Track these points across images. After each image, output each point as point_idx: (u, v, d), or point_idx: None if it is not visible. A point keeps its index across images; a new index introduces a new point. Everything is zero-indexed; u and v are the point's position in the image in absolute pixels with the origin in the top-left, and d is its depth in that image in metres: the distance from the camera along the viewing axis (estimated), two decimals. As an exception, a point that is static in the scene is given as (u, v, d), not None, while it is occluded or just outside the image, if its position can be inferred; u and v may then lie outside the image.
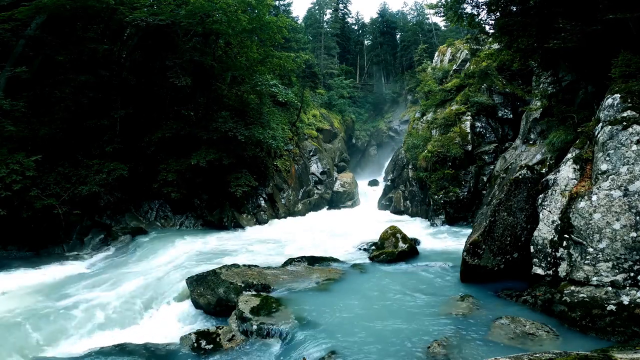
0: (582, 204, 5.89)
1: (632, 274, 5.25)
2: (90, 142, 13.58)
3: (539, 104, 13.12)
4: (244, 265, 8.40)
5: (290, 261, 9.27)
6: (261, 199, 17.42)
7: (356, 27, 55.47)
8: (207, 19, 14.33)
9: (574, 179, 6.40)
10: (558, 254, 6.04)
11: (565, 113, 9.36)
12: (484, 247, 7.25)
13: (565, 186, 6.41)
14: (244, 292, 7.01)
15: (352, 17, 54.44)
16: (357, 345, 5.08)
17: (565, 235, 5.99)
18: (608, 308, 5.18)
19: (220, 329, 5.86)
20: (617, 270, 5.37)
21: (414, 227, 15.93)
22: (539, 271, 6.25)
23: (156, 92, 15.77)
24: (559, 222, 6.15)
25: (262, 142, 16.28)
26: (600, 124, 6.32)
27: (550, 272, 6.11)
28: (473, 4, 11.07)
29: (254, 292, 7.01)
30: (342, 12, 50.50)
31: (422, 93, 26.63)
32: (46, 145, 12.24)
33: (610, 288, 5.35)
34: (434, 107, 20.96)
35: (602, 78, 7.46)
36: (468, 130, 17.46)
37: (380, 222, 15.36)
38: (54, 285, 8.81)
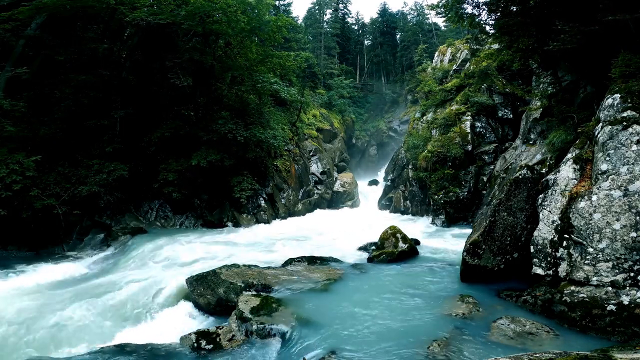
0: (582, 204, 5.89)
1: (632, 274, 5.26)
2: (90, 142, 13.57)
3: (539, 104, 13.12)
4: (244, 265, 8.40)
5: (290, 261, 9.27)
6: (261, 199, 17.42)
7: (356, 27, 55.53)
8: (207, 19, 14.34)
9: (574, 179, 6.41)
10: (558, 254, 6.05)
11: (565, 113, 9.35)
12: (484, 247, 7.25)
13: (565, 186, 6.41)
14: (244, 292, 7.01)
15: (352, 17, 54.58)
16: (357, 345, 5.08)
17: (565, 235, 6.00)
18: (608, 308, 5.18)
19: (220, 329, 5.86)
20: (617, 270, 5.37)
21: (413, 227, 15.92)
22: (539, 271, 6.25)
23: (156, 92, 15.78)
24: (559, 222, 6.15)
25: (263, 142, 16.29)
26: (600, 124, 6.32)
27: (550, 272, 6.11)
28: (473, 4, 11.08)
29: (254, 292, 7.01)
30: (342, 12, 50.55)
31: (422, 93, 26.67)
32: (46, 145, 12.24)
33: (610, 288, 5.35)
34: (434, 107, 20.98)
35: (602, 78, 7.45)
36: (468, 130, 17.47)
37: (380, 222, 15.35)
38: (53, 285, 8.82)
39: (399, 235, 10.41)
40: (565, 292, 5.71)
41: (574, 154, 6.72)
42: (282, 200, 19.24)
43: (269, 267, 8.68)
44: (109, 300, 7.45)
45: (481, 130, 17.75)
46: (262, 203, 17.40)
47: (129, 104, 14.55)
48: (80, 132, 13.37)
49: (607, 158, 5.85)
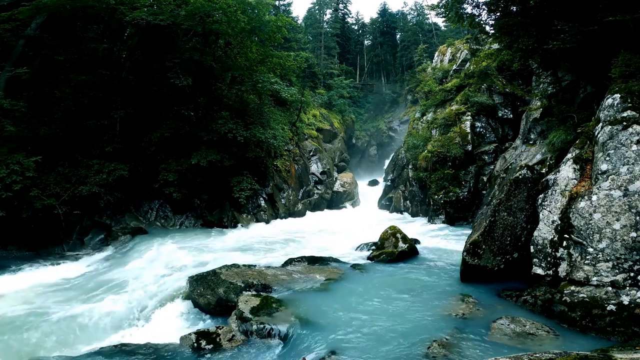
0: (582, 204, 5.89)
1: (632, 274, 5.25)
2: (90, 142, 13.57)
3: (539, 104, 13.12)
4: (244, 265, 8.40)
5: (290, 261, 9.27)
6: (261, 199, 17.42)
7: (356, 27, 55.51)
8: (207, 19, 14.34)
9: (574, 179, 6.40)
10: (558, 254, 6.05)
11: (565, 113, 9.36)
12: (484, 247, 7.25)
13: (565, 186, 6.41)
14: (244, 292, 7.01)
15: (352, 17, 54.54)
16: (357, 345, 5.08)
17: (565, 235, 6.00)
18: (608, 308, 5.18)
19: (220, 329, 5.86)
20: (617, 270, 5.37)
21: (414, 227, 15.92)
22: (539, 271, 6.25)
23: (156, 92, 15.78)
24: (559, 222, 6.15)
25: (263, 142, 16.30)
26: (600, 124, 6.32)
27: (550, 272, 6.11)
28: (473, 4, 11.08)
29: (254, 292, 7.01)
30: (342, 12, 50.51)
31: (422, 93, 26.68)
32: (46, 145, 12.24)
33: (610, 288, 5.35)
34: (434, 107, 20.99)
35: (602, 78, 7.46)
36: (468, 130, 17.47)
37: (380, 222, 15.36)
38: (54, 285, 8.81)
39: (399, 235, 10.41)
40: (565, 292, 5.72)
41: (574, 154, 6.72)
42: (282, 200, 19.24)
43: (268, 267, 8.68)
44: (109, 300, 7.46)
45: (481, 130, 17.75)
46: (262, 203, 17.40)
47: (129, 104, 14.55)
48: (80, 132, 13.36)
49: (607, 158, 5.85)
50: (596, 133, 6.36)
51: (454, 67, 23.55)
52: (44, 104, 12.87)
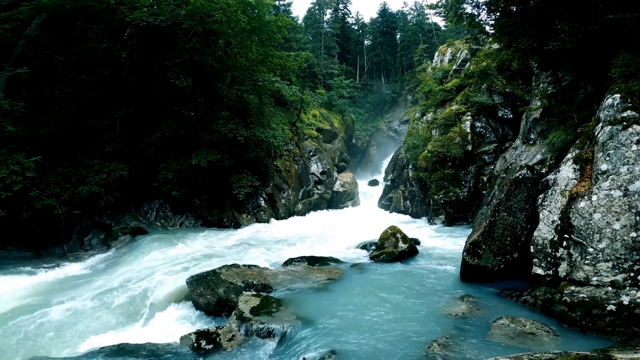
0: (582, 204, 5.89)
1: (632, 274, 5.26)
2: (90, 142, 13.57)
3: (539, 104, 13.12)
4: (244, 265, 8.40)
5: (290, 261, 9.27)
6: (261, 199, 17.42)
7: (356, 27, 55.51)
8: (207, 19, 14.33)
9: (574, 179, 6.41)
10: (558, 254, 6.05)
11: (565, 113, 9.36)
12: (484, 247, 7.25)
13: (565, 186, 6.41)
14: (244, 292, 7.02)
15: (352, 17, 54.52)
16: (356, 345, 5.08)
17: (565, 235, 6.00)
18: (608, 308, 5.18)
19: (220, 329, 5.86)
20: (617, 270, 5.37)
21: (413, 227, 15.92)
22: (539, 271, 6.25)
23: (156, 92, 15.77)
24: (559, 222, 6.15)
25: (263, 142, 16.29)
26: (600, 124, 6.32)
27: (550, 272, 6.12)
28: (473, 4, 11.11)
29: (254, 292, 7.01)
30: (342, 12, 50.49)
31: (422, 93, 26.64)
32: (46, 145, 12.23)
33: (610, 288, 5.35)
34: (434, 107, 20.98)
35: (602, 78, 7.46)
36: (468, 130, 17.46)
37: (380, 222, 15.34)
38: (54, 285, 8.82)
39: (399, 235, 10.42)
40: (565, 292, 5.72)
41: (574, 154, 6.72)
42: (282, 200, 19.23)
43: (268, 267, 8.68)
44: (109, 301, 7.46)
45: (481, 130, 17.74)
46: (262, 203, 17.40)
47: (129, 104, 14.54)
48: (80, 132, 13.36)
49: (607, 158, 5.85)
50: (596, 133, 6.36)
51: (454, 67, 23.56)
52: (44, 104, 12.86)
